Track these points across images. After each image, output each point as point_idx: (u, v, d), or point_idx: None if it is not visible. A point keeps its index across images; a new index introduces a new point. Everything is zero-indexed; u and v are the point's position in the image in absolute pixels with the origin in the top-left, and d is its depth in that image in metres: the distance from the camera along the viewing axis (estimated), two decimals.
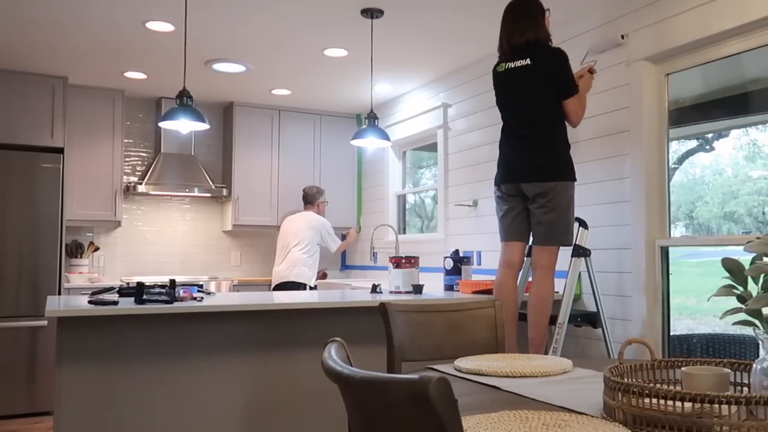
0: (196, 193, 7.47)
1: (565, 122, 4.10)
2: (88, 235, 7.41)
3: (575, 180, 4.09)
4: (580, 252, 4.33)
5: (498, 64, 4.19)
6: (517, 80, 4.07)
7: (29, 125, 6.44)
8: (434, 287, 5.37)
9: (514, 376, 2.32)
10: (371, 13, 4.88)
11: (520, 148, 4.10)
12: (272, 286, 7.01)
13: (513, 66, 4.07)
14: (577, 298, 4.76)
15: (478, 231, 5.97)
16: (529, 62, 4.02)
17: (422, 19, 5.06)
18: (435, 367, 2.62)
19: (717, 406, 1.46)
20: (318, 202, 7.29)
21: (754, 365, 1.72)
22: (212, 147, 8.05)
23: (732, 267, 1.76)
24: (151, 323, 3.74)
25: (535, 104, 4.04)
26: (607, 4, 4.66)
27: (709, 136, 4.45)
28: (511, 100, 4.14)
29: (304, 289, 6.81)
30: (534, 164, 4.01)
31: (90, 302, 3.54)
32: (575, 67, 4.24)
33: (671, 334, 4.32)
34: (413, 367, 2.67)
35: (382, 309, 2.89)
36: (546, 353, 4.24)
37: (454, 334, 3.04)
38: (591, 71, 4.26)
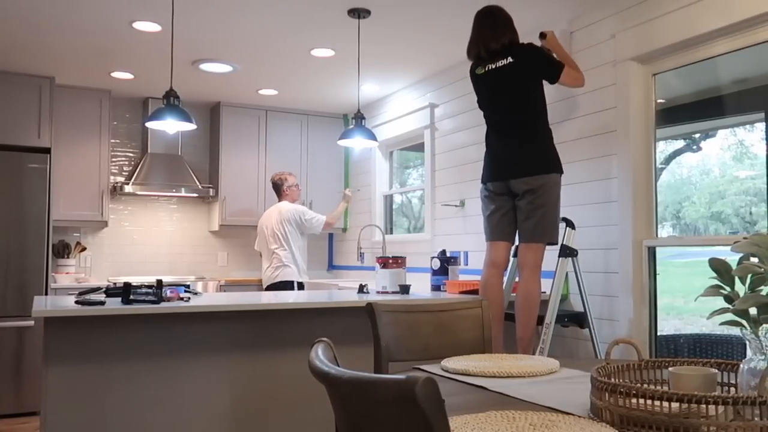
0: (183, 193, 7.45)
1: (547, 116, 4.21)
2: (75, 235, 7.38)
3: (562, 172, 4.13)
4: (567, 252, 4.34)
5: (477, 67, 4.26)
6: (500, 79, 4.15)
7: (16, 125, 6.41)
8: (421, 287, 5.37)
9: (501, 377, 2.32)
10: (358, 13, 4.87)
11: (506, 144, 4.15)
12: (264, 287, 6.97)
13: (494, 67, 4.15)
14: (564, 298, 4.76)
15: (465, 231, 5.97)
16: (511, 60, 4.12)
17: (409, 20, 5.06)
18: (422, 367, 2.61)
19: (704, 406, 1.46)
20: (286, 187, 7.02)
21: (741, 365, 1.72)
22: (199, 147, 8.02)
23: (719, 267, 1.77)
24: (138, 323, 3.73)
25: (519, 100, 4.13)
26: (594, 4, 4.67)
27: (697, 136, 4.47)
28: (495, 99, 4.20)
29: (292, 288, 6.78)
30: (522, 160, 4.06)
31: (77, 302, 3.53)
32: None
33: (658, 334, 4.33)
34: (400, 368, 2.66)
35: (369, 309, 2.89)
36: (533, 353, 4.24)
37: (441, 335, 3.04)
38: (543, 35, 4.51)
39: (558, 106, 4.87)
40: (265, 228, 6.94)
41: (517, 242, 4.24)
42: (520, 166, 4.06)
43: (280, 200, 7.05)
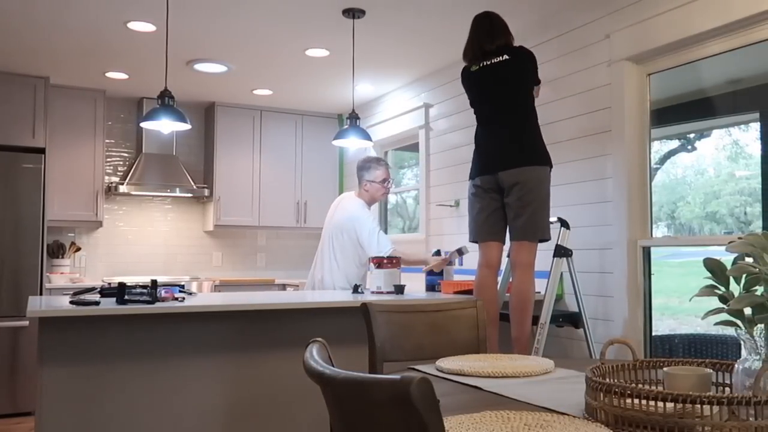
0: (178, 194, 7.44)
1: (536, 111, 4.21)
2: (70, 235, 7.36)
3: (551, 166, 4.10)
4: (562, 252, 4.33)
5: (471, 66, 4.27)
6: (494, 74, 4.16)
7: (10, 125, 6.39)
8: (416, 287, 5.36)
9: (496, 377, 2.32)
10: (353, 13, 4.87)
11: (495, 137, 4.15)
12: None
13: (489, 63, 4.16)
14: (559, 298, 4.76)
15: (459, 231, 5.96)
16: (507, 57, 4.13)
17: (404, 20, 5.05)
18: (416, 367, 2.61)
19: (699, 406, 1.46)
20: (364, 181, 5.33)
21: (736, 365, 1.72)
22: (194, 147, 8.01)
23: (714, 267, 1.77)
24: (132, 323, 3.72)
25: (510, 95, 4.15)
26: (590, 4, 4.67)
27: (691, 136, 4.47)
28: (487, 94, 4.21)
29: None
30: (509, 151, 4.05)
31: (71, 302, 3.51)
32: None
33: (653, 334, 4.33)
34: (395, 368, 2.66)
35: (364, 309, 2.89)
36: (530, 353, 4.24)
37: (435, 335, 3.04)
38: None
39: (552, 106, 4.88)
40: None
41: (508, 241, 4.23)
42: (507, 157, 4.04)
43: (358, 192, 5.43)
